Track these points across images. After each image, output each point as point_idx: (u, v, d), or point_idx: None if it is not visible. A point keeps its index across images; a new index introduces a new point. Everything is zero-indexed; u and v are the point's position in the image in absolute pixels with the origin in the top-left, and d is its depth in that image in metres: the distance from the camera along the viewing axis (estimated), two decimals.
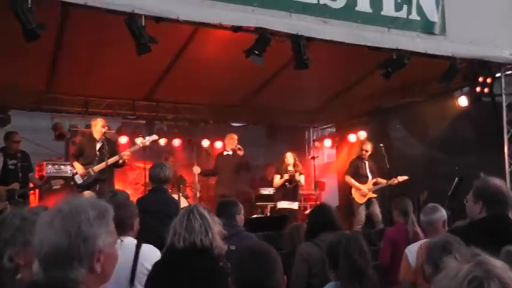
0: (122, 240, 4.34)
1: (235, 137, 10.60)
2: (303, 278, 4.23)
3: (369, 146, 10.71)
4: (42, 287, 1.92)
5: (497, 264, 1.52)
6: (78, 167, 8.92)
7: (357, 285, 3.45)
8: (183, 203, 10.71)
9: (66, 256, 1.92)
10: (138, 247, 4.35)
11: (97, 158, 8.94)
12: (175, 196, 9.89)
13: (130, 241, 4.41)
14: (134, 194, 10.69)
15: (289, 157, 10.66)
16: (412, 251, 4.71)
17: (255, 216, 10.67)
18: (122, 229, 4.36)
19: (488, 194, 3.86)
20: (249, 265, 2.71)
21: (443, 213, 5.28)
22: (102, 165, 8.84)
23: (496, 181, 3.92)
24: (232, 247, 4.96)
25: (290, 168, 10.53)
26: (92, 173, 8.84)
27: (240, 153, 10.34)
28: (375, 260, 6.39)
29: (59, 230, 1.93)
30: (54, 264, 1.93)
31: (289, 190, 10.53)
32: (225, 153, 10.60)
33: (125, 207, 4.60)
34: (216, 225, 3.77)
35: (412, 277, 4.52)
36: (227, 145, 10.59)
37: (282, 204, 10.49)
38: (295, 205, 10.57)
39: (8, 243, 2.39)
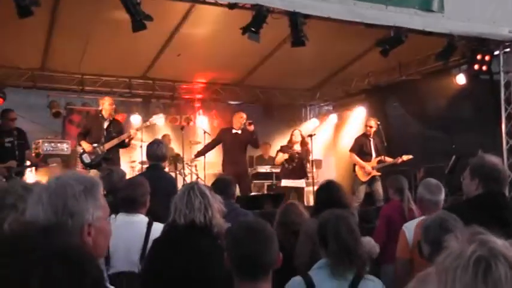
0: (114, 217, 4.41)
1: (244, 115, 10.43)
2: (307, 253, 4.10)
3: (372, 122, 10.53)
4: None
5: (499, 242, 1.52)
6: (86, 146, 8.97)
7: (347, 263, 3.43)
8: (180, 181, 10.76)
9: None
10: (149, 225, 4.47)
11: (104, 137, 8.99)
12: (173, 174, 9.94)
13: (141, 218, 4.57)
14: (131, 173, 10.74)
15: (297, 134, 10.61)
16: (409, 228, 4.65)
17: (252, 194, 10.67)
18: (135, 207, 4.59)
19: (485, 171, 3.87)
20: (244, 241, 2.71)
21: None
22: (113, 142, 8.91)
23: (492, 158, 3.93)
24: (228, 224, 5.02)
25: (297, 146, 10.48)
26: (100, 152, 8.90)
27: (251, 128, 10.19)
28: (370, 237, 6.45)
29: (47, 207, 1.95)
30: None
31: (296, 168, 10.49)
32: (233, 131, 10.36)
33: (137, 185, 4.77)
34: (216, 203, 3.76)
35: (409, 254, 4.47)
36: (235, 124, 10.33)
37: (286, 183, 10.47)
38: (301, 182, 10.50)
39: (11, 210, 2.41)
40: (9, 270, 1.23)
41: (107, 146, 8.90)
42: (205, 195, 3.71)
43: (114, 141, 8.91)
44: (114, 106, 9.38)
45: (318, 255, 3.75)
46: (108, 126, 9.12)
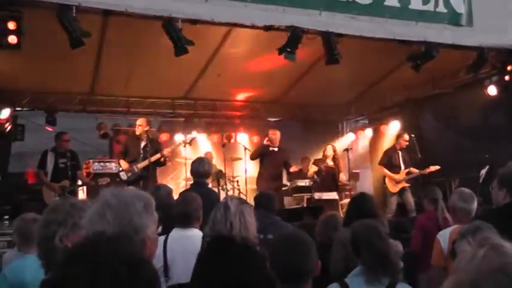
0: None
1: (277, 132, 10.81)
2: (340, 262, 4.24)
3: (407, 136, 10.82)
4: None
5: (509, 246, 1.63)
6: (123, 164, 9.45)
7: (380, 269, 3.55)
8: (223, 196, 11.08)
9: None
10: (204, 238, 4.58)
11: (141, 156, 9.42)
12: (216, 190, 10.27)
13: (196, 232, 4.71)
14: (176, 189, 11.13)
15: (329, 149, 10.97)
16: (444, 236, 4.75)
17: (292, 206, 10.96)
18: (189, 221, 4.78)
19: None
20: (285, 251, 2.93)
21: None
22: (145, 162, 9.31)
23: None
24: (270, 236, 5.31)
25: (329, 160, 10.82)
26: (136, 170, 9.33)
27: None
28: (406, 247, 6.63)
29: (112, 223, 2.03)
30: None
31: (328, 180, 10.80)
32: (270, 148, 10.70)
33: (190, 200, 4.97)
34: (251, 216, 3.97)
35: (444, 262, 4.55)
36: (272, 141, 10.71)
37: (318, 195, 10.74)
38: (333, 195, 10.79)
39: (61, 225, 2.53)
40: (80, 270, 1.43)
41: (141, 165, 9.32)
42: (241, 209, 3.93)
43: (145, 162, 9.30)
44: (148, 127, 9.76)
45: (352, 262, 3.88)
46: (145, 145, 9.52)
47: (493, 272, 1.19)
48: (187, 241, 4.63)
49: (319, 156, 11.55)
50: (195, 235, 4.67)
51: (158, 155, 9.44)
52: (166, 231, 4.82)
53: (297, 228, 5.28)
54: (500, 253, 1.58)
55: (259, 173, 10.88)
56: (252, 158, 11.12)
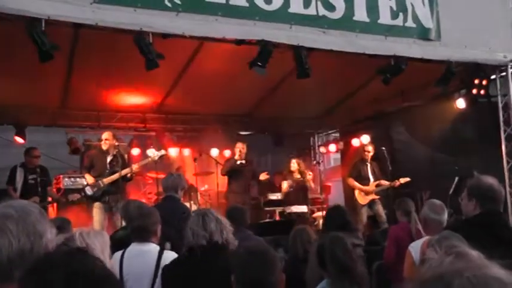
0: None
1: (243, 145, 10.89)
2: (316, 275, 4.25)
3: (370, 148, 10.98)
4: None
5: (475, 254, 1.66)
6: (89, 179, 9.29)
7: (346, 281, 3.62)
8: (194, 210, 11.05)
9: (31, 255, 2.00)
10: (160, 253, 4.57)
11: (107, 171, 9.30)
12: (187, 204, 10.24)
13: (153, 247, 4.66)
14: (148, 204, 11.05)
15: (293, 164, 11.04)
16: (415, 248, 4.81)
17: (264, 220, 10.98)
18: (146, 236, 4.69)
19: (481, 191, 4.07)
20: (248, 265, 2.94)
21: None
22: (113, 177, 9.18)
23: (489, 179, 4.13)
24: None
25: (296, 174, 10.88)
26: (102, 185, 9.18)
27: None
28: (379, 259, 6.68)
29: (19, 234, 2.02)
30: (20, 266, 1.94)
31: (298, 194, 10.85)
32: (238, 162, 10.79)
33: (148, 215, 4.89)
34: (228, 224, 4.05)
35: (416, 273, 4.51)
36: (238, 154, 10.82)
37: (292, 209, 10.80)
38: (304, 208, 10.87)
39: None
40: (35, 285, 1.49)
41: (107, 180, 9.19)
42: (218, 218, 4.00)
43: (115, 176, 9.19)
44: (115, 141, 9.64)
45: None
46: (111, 160, 9.42)
47: (433, 280, 1.19)
48: (143, 256, 4.59)
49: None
50: (151, 250, 4.62)
51: (127, 170, 9.33)
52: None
53: (262, 242, 5.28)
54: (466, 261, 1.59)
55: (229, 187, 10.93)
56: (224, 173, 11.10)
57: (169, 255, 4.52)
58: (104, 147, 9.47)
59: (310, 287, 4.16)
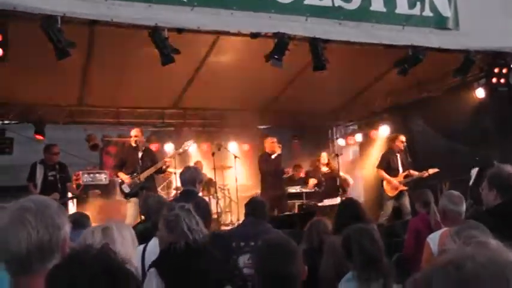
0: None
1: (275, 139, 11.08)
2: (331, 269, 4.31)
3: (403, 137, 10.83)
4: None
5: (495, 243, 1.56)
6: (124, 177, 9.46)
7: (372, 273, 3.59)
8: (213, 204, 11.11)
9: (49, 248, 2.07)
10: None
11: (139, 167, 9.42)
12: (206, 198, 10.28)
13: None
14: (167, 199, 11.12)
15: (323, 157, 11.02)
16: (434, 239, 4.73)
17: (284, 213, 10.98)
18: None
19: (502, 181, 4.06)
20: (270, 257, 2.94)
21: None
22: (150, 171, 9.37)
23: (509, 168, 4.11)
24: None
25: (324, 168, 10.87)
26: (138, 181, 9.33)
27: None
28: (399, 251, 6.64)
29: (38, 226, 2.07)
30: (39, 259, 2.05)
31: (327, 188, 10.82)
32: (273, 156, 10.94)
33: (158, 211, 4.87)
34: (200, 221, 4.07)
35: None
36: (268, 148, 10.96)
37: (325, 202, 10.81)
38: (336, 200, 10.78)
39: None
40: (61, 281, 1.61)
41: (143, 175, 9.32)
42: (193, 216, 4.04)
43: (151, 170, 9.35)
44: (142, 136, 9.84)
45: (343, 269, 3.97)
46: (143, 156, 9.56)
47: (444, 264, 1.18)
48: None
49: (308, 162, 11.63)
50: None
51: (161, 163, 9.51)
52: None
53: (282, 234, 5.27)
54: (486, 250, 1.53)
55: (264, 182, 11.10)
56: (263, 171, 11.19)
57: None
58: (134, 143, 9.63)
59: (325, 282, 4.15)
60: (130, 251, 3.05)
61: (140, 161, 9.52)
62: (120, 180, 9.65)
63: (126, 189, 9.42)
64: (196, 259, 3.87)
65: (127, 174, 9.52)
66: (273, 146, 10.90)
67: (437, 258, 1.60)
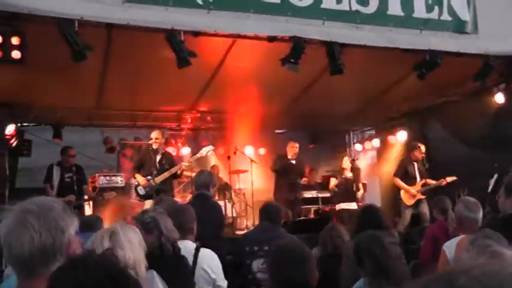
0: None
1: (297, 145, 10.98)
2: (350, 276, 4.20)
3: (423, 148, 10.71)
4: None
5: (510, 253, 1.59)
6: (140, 179, 9.44)
7: (383, 280, 3.54)
8: (229, 208, 11.10)
9: (52, 251, 2.06)
10: (197, 251, 4.58)
11: (156, 169, 9.43)
12: (222, 202, 10.28)
13: (189, 245, 4.66)
14: (183, 202, 11.13)
15: (345, 161, 10.96)
16: (450, 247, 4.70)
17: (299, 218, 10.93)
18: (182, 233, 4.63)
19: None
20: (283, 262, 2.95)
21: None
22: (165, 175, 9.34)
23: None
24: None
25: (347, 172, 10.81)
26: (153, 184, 9.34)
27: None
28: (415, 258, 6.56)
29: (41, 229, 2.05)
30: (42, 262, 2.04)
31: (348, 191, 10.77)
32: (292, 161, 10.90)
33: (182, 212, 4.93)
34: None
35: None
36: (290, 152, 10.92)
37: (341, 206, 10.73)
38: (353, 205, 10.75)
39: None
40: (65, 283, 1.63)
41: (159, 179, 9.32)
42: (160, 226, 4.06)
43: (166, 174, 9.34)
44: (163, 139, 9.85)
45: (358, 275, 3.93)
46: (161, 159, 9.56)
47: (438, 278, 1.12)
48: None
49: (326, 167, 11.55)
50: (187, 247, 4.59)
51: (176, 168, 9.50)
52: None
53: (296, 239, 5.24)
54: (500, 260, 1.58)
55: (276, 185, 11.02)
56: (274, 169, 11.18)
57: (207, 253, 4.55)
58: (155, 146, 9.63)
59: (344, 284, 4.11)
60: (139, 254, 3.02)
61: (158, 164, 9.52)
62: (136, 183, 9.65)
63: (142, 192, 9.44)
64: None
65: (143, 176, 9.53)
66: (294, 151, 10.86)
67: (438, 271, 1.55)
